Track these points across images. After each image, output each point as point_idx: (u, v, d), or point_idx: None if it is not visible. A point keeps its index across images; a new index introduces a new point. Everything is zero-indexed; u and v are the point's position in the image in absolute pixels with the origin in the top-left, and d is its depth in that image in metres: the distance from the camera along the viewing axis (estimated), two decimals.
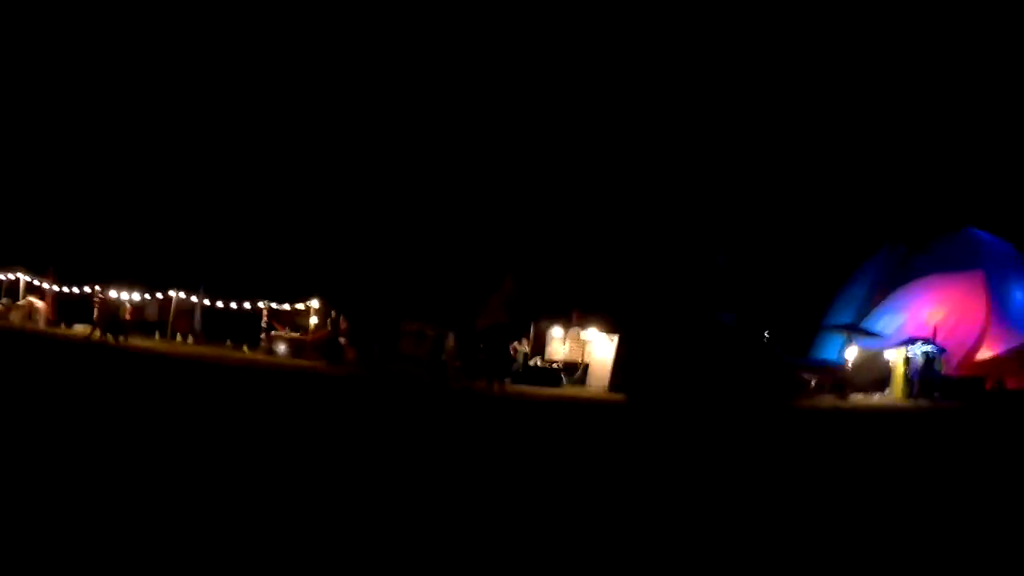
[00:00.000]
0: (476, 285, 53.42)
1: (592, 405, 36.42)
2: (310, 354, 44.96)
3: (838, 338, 49.64)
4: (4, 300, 51.41)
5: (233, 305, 47.87)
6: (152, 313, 49.67)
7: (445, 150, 61.94)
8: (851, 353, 45.97)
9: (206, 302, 48.43)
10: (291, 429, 19.63)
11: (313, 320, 46.28)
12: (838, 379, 45.49)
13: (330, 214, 59.10)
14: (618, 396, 40.25)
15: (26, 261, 51.53)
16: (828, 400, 42.59)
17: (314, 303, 46.11)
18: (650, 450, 21.64)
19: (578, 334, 46.29)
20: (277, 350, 45.50)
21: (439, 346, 45.71)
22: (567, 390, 42.59)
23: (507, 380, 39.87)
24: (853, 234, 58.09)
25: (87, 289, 49.38)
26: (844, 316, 52.86)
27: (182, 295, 48.57)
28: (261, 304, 47.20)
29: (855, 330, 49.44)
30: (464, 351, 48.82)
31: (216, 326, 49.55)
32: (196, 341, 48.26)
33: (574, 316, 47.16)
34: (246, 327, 48.25)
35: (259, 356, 44.93)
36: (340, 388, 32.98)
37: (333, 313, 45.57)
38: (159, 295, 48.99)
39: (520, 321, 49.81)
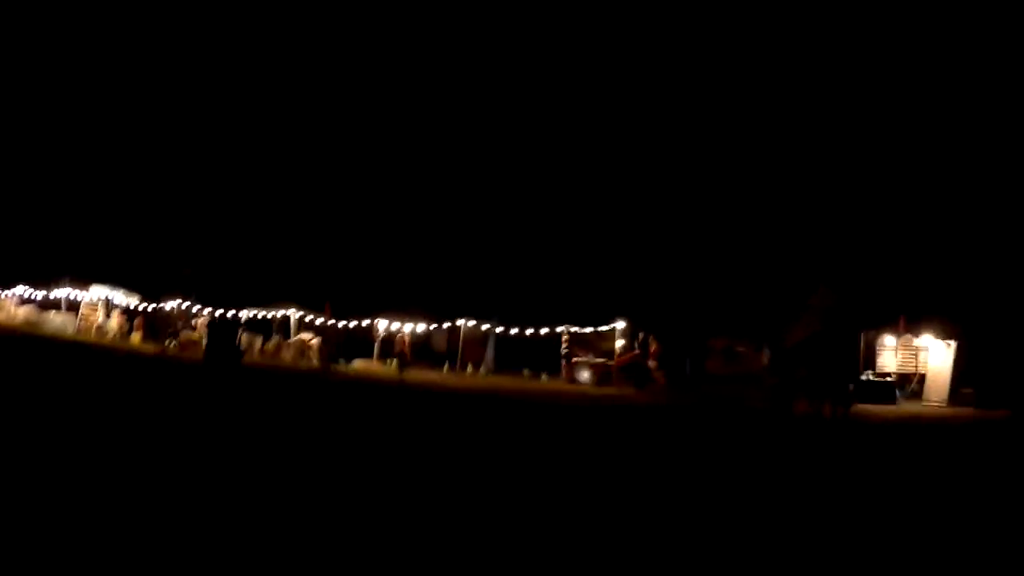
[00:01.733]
0: (785, 296, 47.89)
1: (962, 426, 30.82)
2: (617, 380, 39.89)
3: None
4: (276, 338, 47.91)
5: (529, 332, 42.93)
6: (440, 344, 45.38)
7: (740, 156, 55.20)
8: None
9: (499, 330, 43.77)
10: (652, 479, 15.31)
11: (619, 343, 41.19)
12: None
13: (624, 228, 53.94)
14: (965, 411, 35.93)
15: (299, 296, 48.03)
16: None
17: (620, 324, 41.00)
18: None
19: (910, 342, 40.13)
20: (580, 378, 40.76)
21: (780, 365, 40.69)
22: (905, 407, 37.51)
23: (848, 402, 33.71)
24: None
25: (365, 322, 45.37)
26: None
27: (472, 324, 43.83)
28: (560, 329, 42.36)
29: None
30: (779, 367, 43.72)
31: (509, 354, 45.11)
32: (489, 371, 43.88)
33: (901, 323, 41.11)
34: (542, 354, 43.79)
35: (560, 385, 40.69)
36: (672, 421, 28.35)
37: (641, 334, 40.43)
38: (447, 325, 44.28)
39: (839, 332, 44.47)
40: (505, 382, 40.27)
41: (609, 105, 58.61)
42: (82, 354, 36.39)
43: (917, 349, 40.83)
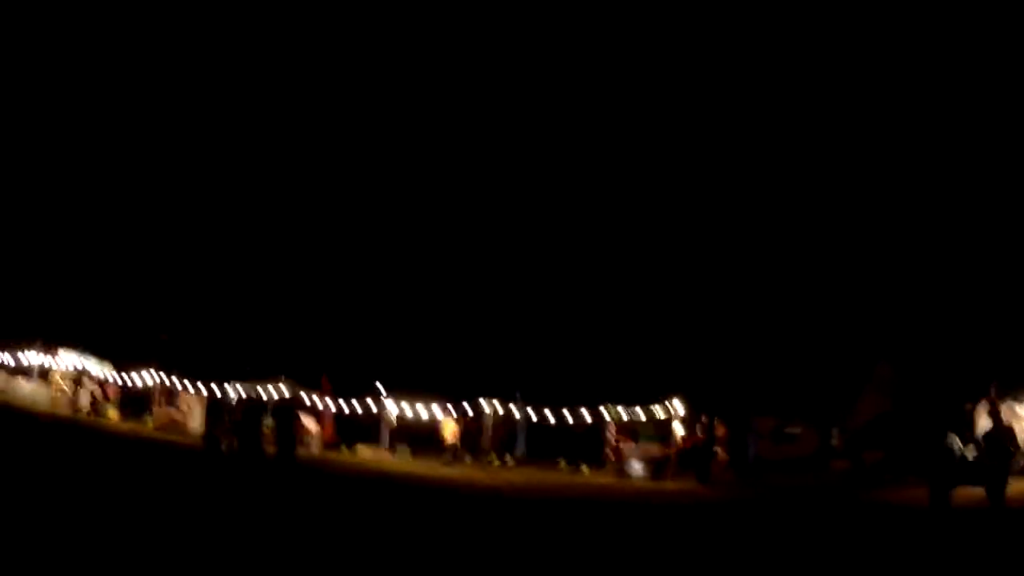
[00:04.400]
0: (837, 370, 40.68)
1: None
2: (674, 472, 31.75)
3: None
4: (267, 420, 39.81)
5: (567, 414, 34.69)
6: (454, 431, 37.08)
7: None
8: None
9: (530, 413, 35.62)
10: None
11: (677, 427, 32.85)
12: None
13: (671, 297, 46.16)
14: None
15: (291, 369, 40.00)
16: None
17: (677, 405, 32.73)
18: None
19: (1013, 409, 32.08)
20: (631, 470, 32.47)
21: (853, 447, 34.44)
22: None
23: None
24: None
25: (368, 402, 37.36)
26: None
27: (497, 406, 35.66)
28: (604, 411, 34.20)
29: None
30: (851, 450, 36.47)
31: (539, 442, 37.03)
32: (518, 463, 35.75)
33: (993, 391, 33.05)
34: (578, 442, 35.57)
35: (607, 479, 32.34)
36: (774, 524, 20.79)
37: (704, 416, 32.14)
38: (466, 407, 36.19)
39: (906, 408, 36.95)
40: (541, 476, 32.41)
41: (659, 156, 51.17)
42: (63, 433, 31.77)
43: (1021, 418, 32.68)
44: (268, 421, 36.93)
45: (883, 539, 19.11)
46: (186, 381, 41.40)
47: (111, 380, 43.34)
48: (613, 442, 34.73)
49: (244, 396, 38.30)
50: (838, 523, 21.53)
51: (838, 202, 48.71)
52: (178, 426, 39.13)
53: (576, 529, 19.35)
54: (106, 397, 42.83)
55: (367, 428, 37.96)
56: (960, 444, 32.16)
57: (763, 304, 47.19)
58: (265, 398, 39.27)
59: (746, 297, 47.34)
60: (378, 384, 37.98)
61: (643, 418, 34.76)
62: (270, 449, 29.76)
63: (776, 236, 48.44)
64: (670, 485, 30.80)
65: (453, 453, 35.51)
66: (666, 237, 48.57)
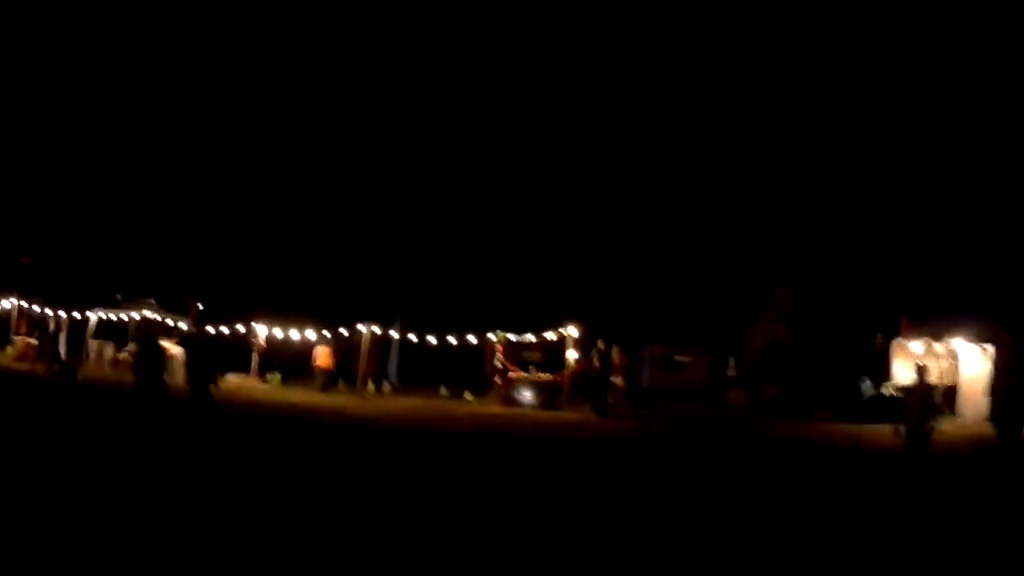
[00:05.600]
0: (738, 299, 39.43)
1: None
2: (569, 401, 29.07)
3: None
4: (131, 346, 36.36)
5: (450, 340, 32.00)
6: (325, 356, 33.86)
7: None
8: None
9: (409, 337, 32.73)
10: None
11: (571, 354, 30.15)
12: None
13: (567, 216, 43.32)
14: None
15: (157, 292, 36.48)
16: None
17: (572, 331, 30.02)
18: None
19: (932, 347, 30.03)
20: (521, 398, 29.73)
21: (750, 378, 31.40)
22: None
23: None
24: None
25: (239, 328, 34.19)
26: None
27: (375, 331, 32.64)
28: (493, 336, 31.43)
29: None
30: (748, 381, 35.13)
31: (418, 368, 34.00)
32: (395, 390, 32.85)
33: (903, 325, 31.01)
34: (461, 368, 32.64)
35: (495, 408, 29.51)
36: (693, 459, 17.78)
37: (600, 343, 29.47)
38: (342, 332, 32.98)
39: (806, 337, 35.28)
40: (421, 404, 29.37)
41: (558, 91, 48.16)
42: None
43: (939, 356, 30.53)
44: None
45: (802, 477, 16.87)
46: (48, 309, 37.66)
47: None
48: (500, 368, 31.94)
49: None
50: (746, 459, 19.22)
51: (735, 115, 46.26)
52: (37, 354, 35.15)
53: (469, 466, 16.55)
54: None
55: (235, 354, 34.71)
56: (871, 385, 30.22)
57: (653, 223, 44.68)
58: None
59: (635, 215, 44.77)
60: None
61: (532, 342, 32.11)
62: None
63: (669, 152, 45.80)
64: (565, 415, 28.17)
65: (326, 380, 32.58)
66: (559, 158, 45.63)
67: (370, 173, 44.44)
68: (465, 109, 45.86)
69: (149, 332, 30.47)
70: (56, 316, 37.37)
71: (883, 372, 30.48)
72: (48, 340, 35.18)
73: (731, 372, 36.66)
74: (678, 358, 37.64)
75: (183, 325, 34.39)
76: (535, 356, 33.14)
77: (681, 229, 43.59)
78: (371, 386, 32.65)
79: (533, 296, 36.47)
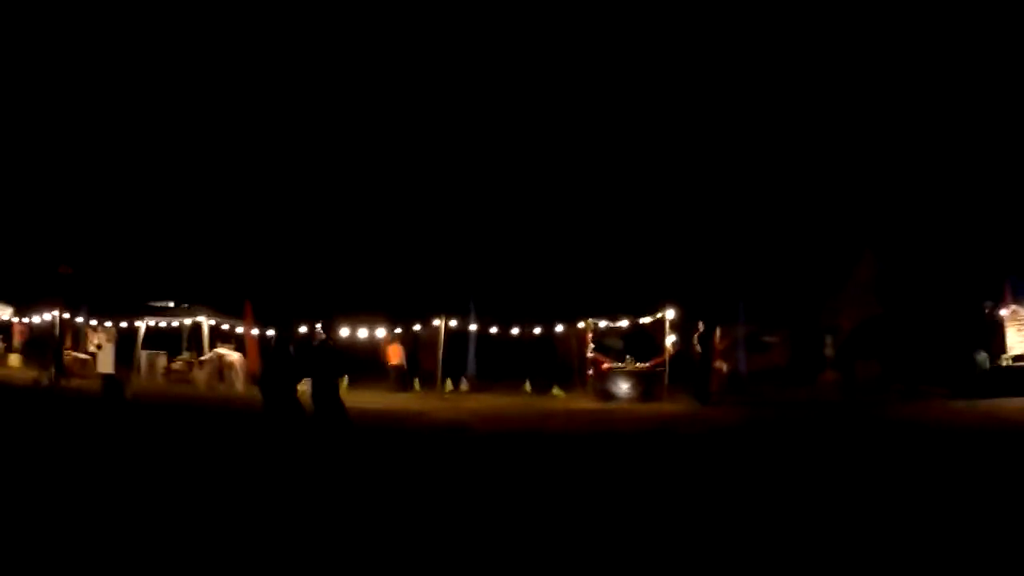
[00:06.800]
0: (820, 272, 36.87)
1: None
2: (658, 390, 26.02)
3: None
4: (185, 355, 33.63)
5: (534, 331, 29.18)
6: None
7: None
8: None
9: (491, 330, 29.86)
10: None
11: (670, 339, 26.89)
12: None
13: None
14: None
15: (210, 297, 33.69)
16: None
17: (669, 314, 26.82)
18: None
19: None
20: (616, 390, 26.56)
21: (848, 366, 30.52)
22: None
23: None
24: None
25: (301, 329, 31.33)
26: None
27: (453, 324, 29.65)
28: (582, 325, 28.44)
29: None
30: (842, 360, 32.32)
31: (494, 363, 31.74)
32: (472, 388, 29.81)
33: (1007, 292, 28.03)
34: (543, 361, 30.50)
35: (587, 402, 26.70)
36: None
37: (701, 325, 26.25)
38: (413, 327, 30.13)
39: (901, 309, 32.45)
40: (508, 403, 26.37)
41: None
42: None
43: None
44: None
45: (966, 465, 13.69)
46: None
47: (15, 322, 37.49)
48: (592, 358, 28.87)
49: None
50: (892, 447, 16.21)
51: (807, 85, 44.04)
52: (87, 369, 32.21)
53: (592, 475, 13.44)
54: (7, 344, 37.17)
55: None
56: (987, 357, 27.39)
57: (723, 199, 42.00)
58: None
59: (705, 192, 42.08)
60: None
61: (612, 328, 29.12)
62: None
63: (740, 124, 43.44)
64: (666, 406, 25.05)
65: (399, 379, 29.61)
66: (637, 140, 43.37)
67: (437, 158, 42.01)
68: (545, 94, 44.66)
69: (282, 341, 26.33)
70: (102, 326, 34.47)
71: (997, 343, 27.74)
72: (53, 346, 31.81)
73: (828, 351, 33.51)
74: (765, 338, 34.49)
75: (240, 330, 31.70)
76: (616, 343, 30.16)
77: (749, 199, 40.85)
78: (448, 384, 29.49)
79: (608, 280, 33.54)
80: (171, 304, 35.53)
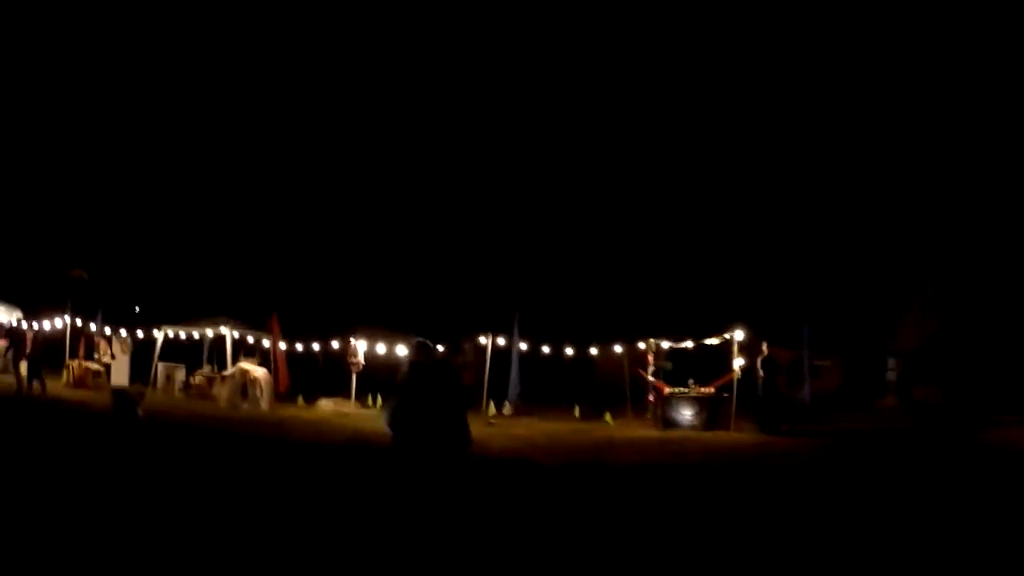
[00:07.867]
0: (876, 295, 35.57)
1: None
2: (723, 417, 24.08)
3: None
4: (205, 368, 31.39)
5: (591, 351, 27.05)
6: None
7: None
8: None
9: (543, 349, 27.71)
10: None
11: (738, 362, 24.47)
12: None
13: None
14: None
15: (233, 308, 31.51)
16: None
17: (738, 335, 24.44)
18: None
19: None
20: (680, 417, 24.18)
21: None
22: None
23: None
24: None
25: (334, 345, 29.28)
26: None
27: (498, 342, 27.34)
28: (643, 345, 26.20)
29: None
30: (902, 385, 30.93)
31: (536, 385, 29.51)
32: (516, 411, 27.33)
33: None
34: (594, 384, 29.02)
35: (645, 430, 24.47)
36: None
37: (764, 346, 23.90)
38: (458, 346, 28.05)
39: (963, 332, 31.43)
40: (558, 430, 24.08)
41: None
42: None
43: None
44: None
45: None
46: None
47: (25, 328, 34.27)
48: (653, 382, 26.60)
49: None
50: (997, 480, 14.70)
51: (861, 104, 42.80)
52: (100, 381, 30.86)
53: (682, 514, 11.63)
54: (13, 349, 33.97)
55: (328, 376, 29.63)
56: None
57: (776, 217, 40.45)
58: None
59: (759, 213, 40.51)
60: None
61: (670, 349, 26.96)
62: None
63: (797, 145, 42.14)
64: (734, 435, 22.72)
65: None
66: (692, 155, 42.02)
67: (481, 166, 40.29)
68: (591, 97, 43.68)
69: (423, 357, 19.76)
70: (117, 335, 32.22)
71: None
72: (20, 347, 28.68)
73: (890, 375, 31.57)
74: (816, 362, 32.43)
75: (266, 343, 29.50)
76: (665, 365, 27.96)
77: (801, 223, 39.29)
78: (491, 409, 27.17)
79: (656, 299, 31.48)
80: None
